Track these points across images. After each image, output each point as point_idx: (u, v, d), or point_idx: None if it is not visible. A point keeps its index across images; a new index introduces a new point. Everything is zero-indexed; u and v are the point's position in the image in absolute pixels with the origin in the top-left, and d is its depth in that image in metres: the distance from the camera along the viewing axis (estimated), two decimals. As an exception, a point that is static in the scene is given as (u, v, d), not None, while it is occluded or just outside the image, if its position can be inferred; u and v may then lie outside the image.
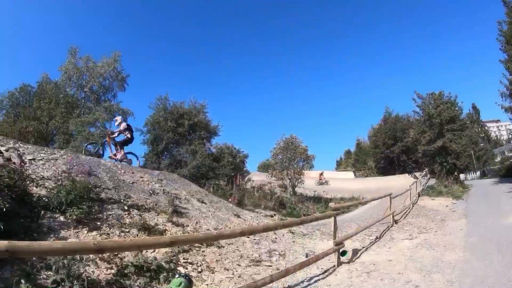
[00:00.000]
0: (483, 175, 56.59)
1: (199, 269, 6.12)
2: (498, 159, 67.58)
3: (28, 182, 6.75)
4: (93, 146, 14.33)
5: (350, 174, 53.36)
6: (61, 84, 29.07)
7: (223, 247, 7.53)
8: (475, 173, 58.25)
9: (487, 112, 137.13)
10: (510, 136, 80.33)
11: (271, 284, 5.56)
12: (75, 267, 4.59)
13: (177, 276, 0.92)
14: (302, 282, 6.22)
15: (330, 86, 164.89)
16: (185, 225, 8.26)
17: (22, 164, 7.25)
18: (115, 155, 12.89)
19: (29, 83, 28.98)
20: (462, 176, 28.27)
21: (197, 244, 6.97)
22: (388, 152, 49.10)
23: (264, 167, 48.56)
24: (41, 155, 8.81)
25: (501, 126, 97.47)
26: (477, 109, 79.16)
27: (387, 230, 11.01)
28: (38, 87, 28.62)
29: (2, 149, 7.86)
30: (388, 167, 49.04)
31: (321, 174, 37.73)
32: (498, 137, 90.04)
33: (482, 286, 4.95)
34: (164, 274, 5.29)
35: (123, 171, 10.31)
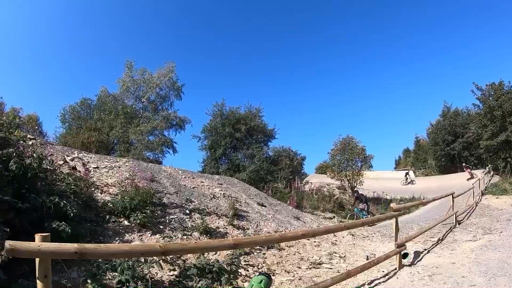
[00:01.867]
0: (553, 170, 52.62)
1: (260, 272, 6.20)
2: None
3: (93, 189, 7.23)
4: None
5: (410, 174, 51.69)
6: (119, 96, 30.31)
7: (284, 249, 7.58)
8: (544, 169, 54.27)
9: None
10: None
11: (331, 287, 5.57)
12: (140, 268, 4.82)
13: (257, 274, 0.98)
14: (363, 285, 6.14)
15: (385, 83, 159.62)
16: (245, 228, 8.42)
17: (87, 172, 7.67)
18: None
19: (88, 97, 30.75)
20: None
21: (257, 247, 7.09)
22: (448, 149, 46.82)
23: (321, 169, 47.92)
24: (104, 163, 9.32)
25: None
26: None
27: (449, 231, 10.55)
28: (98, 100, 30.17)
29: (68, 158, 8.42)
30: (449, 165, 46.68)
31: (407, 173, 36.24)
32: None
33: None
34: (225, 276, 5.40)
35: (183, 176, 10.67)
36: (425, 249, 8.55)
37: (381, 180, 38.18)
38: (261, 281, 0.96)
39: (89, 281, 4.29)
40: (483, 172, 25.82)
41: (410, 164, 65.13)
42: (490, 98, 30.44)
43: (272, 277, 6.13)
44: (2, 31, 66.35)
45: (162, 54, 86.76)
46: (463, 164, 30.17)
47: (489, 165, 30.18)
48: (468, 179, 24.75)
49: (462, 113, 47.43)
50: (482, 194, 19.01)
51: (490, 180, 24.67)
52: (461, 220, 12.33)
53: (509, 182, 23.02)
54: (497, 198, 18.43)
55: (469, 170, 29.61)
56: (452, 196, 11.99)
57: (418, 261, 7.50)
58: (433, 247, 8.75)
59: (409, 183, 34.33)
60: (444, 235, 10.07)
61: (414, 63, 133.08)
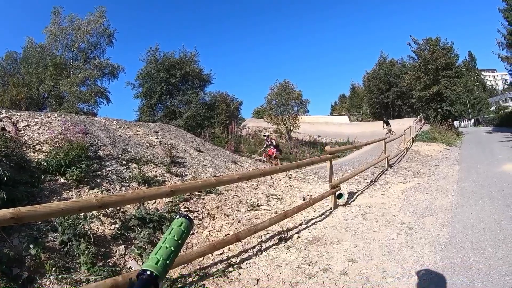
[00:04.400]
0: (477, 124, 57.11)
1: (200, 217, 6.27)
2: (493, 108, 67.22)
3: (25, 149, 6.81)
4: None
5: (345, 119, 53.59)
6: (47, 46, 28.43)
7: (222, 193, 7.69)
8: (469, 121, 58.66)
9: (483, 61, 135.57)
10: (506, 86, 79.61)
11: (270, 227, 5.77)
12: (80, 225, 4.73)
13: (177, 216, 0.95)
14: (301, 224, 6.43)
15: (323, 29, 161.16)
16: (183, 174, 8.41)
17: (17, 131, 7.27)
18: None
19: (14, 50, 28.88)
20: (456, 123, 28.00)
21: (196, 192, 7.13)
22: (382, 97, 49.00)
23: (259, 113, 48.39)
24: (35, 120, 8.77)
25: (497, 76, 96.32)
26: (473, 57, 78.41)
27: (381, 174, 11.28)
28: (24, 53, 28.19)
29: (-5, 119, 7.83)
30: (383, 112, 49.05)
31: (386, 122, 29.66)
32: (494, 86, 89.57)
33: (473, 231, 5.08)
34: (166, 224, 5.44)
35: (118, 126, 10.36)
36: (359, 190, 9.12)
37: (317, 124, 39.69)
38: (181, 223, 0.94)
39: (31, 245, 4.12)
40: (415, 120, 27.33)
41: (346, 110, 67.64)
42: (426, 52, 31.76)
43: (213, 220, 6.24)
44: None
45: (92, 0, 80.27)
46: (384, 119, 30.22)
47: (421, 114, 31.99)
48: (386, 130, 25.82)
49: (397, 64, 49.42)
50: (413, 141, 20.25)
51: (421, 128, 26.25)
52: (393, 164, 13.20)
53: (438, 131, 24.84)
54: (427, 145, 19.82)
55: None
56: (385, 141, 12.75)
57: (352, 201, 8.00)
58: (366, 188, 9.35)
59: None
60: (376, 177, 10.77)
61: (356, 12, 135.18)
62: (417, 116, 32.23)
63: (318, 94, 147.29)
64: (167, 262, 0.95)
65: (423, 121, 29.75)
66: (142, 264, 4.23)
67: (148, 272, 0.90)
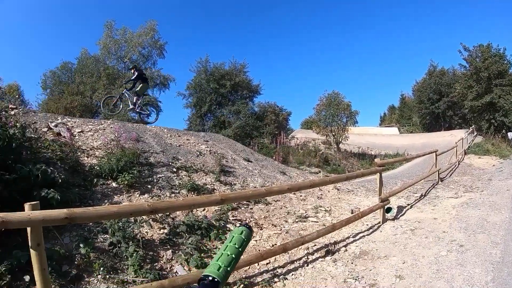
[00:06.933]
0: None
1: (241, 223, 6.30)
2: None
3: (79, 153, 7.16)
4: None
5: (394, 130, 52.23)
6: (100, 57, 29.58)
7: (270, 204, 7.70)
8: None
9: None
10: None
11: (317, 240, 5.73)
12: (130, 229, 4.93)
13: (238, 225, 1.01)
14: (348, 237, 6.32)
15: (372, 39, 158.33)
16: (232, 183, 8.48)
17: (72, 137, 7.59)
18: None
19: (69, 61, 30.07)
20: (510, 134, 26.30)
21: (245, 202, 7.20)
22: (433, 108, 47.20)
23: (307, 124, 48.00)
24: (89, 126, 9.18)
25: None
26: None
27: (432, 188, 10.86)
28: (78, 63, 29.37)
29: (51, 125, 8.27)
30: (433, 123, 47.39)
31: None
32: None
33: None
34: (214, 231, 5.55)
35: (169, 135, 10.63)
36: (408, 204, 8.82)
37: (366, 135, 38.97)
38: (242, 232, 0.98)
39: (81, 245, 4.35)
40: (467, 132, 26.16)
41: (395, 121, 65.76)
42: (477, 59, 30.51)
43: (260, 230, 6.27)
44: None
45: (143, 13, 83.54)
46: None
47: (473, 125, 30.56)
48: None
49: (448, 73, 47.61)
50: (465, 153, 19.37)
51: (473, 140, 25.08)
52: (444, 178, 12.68)
53: (491, 143, 23.51)
54: (479, 158, 18.80)
55: None
56: (436, 154, 12.26)
57: (401, 215, 7.76)
58: (416, 203, 9.02)
59: None
60: (426, 191, 10.36)
61: (403, 21, 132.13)
62: (469, 127, 30.85)
63: (367, 105, 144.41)
64: (228, 269, 0.98)
65: (475, 133, 28.40)
66: (188, 269, 4.38)
67: (210, 278, 0.93)
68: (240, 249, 1.05)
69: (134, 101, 12.68)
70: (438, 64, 50.31)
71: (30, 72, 76.63)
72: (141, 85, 12.68)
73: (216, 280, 0.93)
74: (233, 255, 1.02)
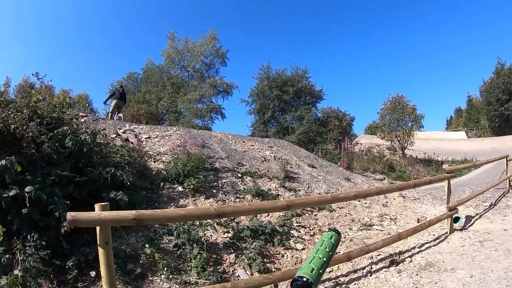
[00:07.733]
0: None
1: (312, 233, 6.21)
2: None
3: (146, 158, 7.47)
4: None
5: (461, 134, 49.17)
6: (164, 67, 30.96)
7: (335, 211, 7.54)
8: None
9: None
10: None
11: (382, 249, 5.50)
12: (195, 231, 5.02)
13: (327, 230, 0.96)
14: (414, 248, 6.00)
15: (434, 38, 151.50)
16: (297, 189, 8.39)
17: (139, 142, 7.92)
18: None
19: (135, 71, 32.03)
20: None
21: (309, 208, 7.10)
22: (502, 109, 43.62)
23: (371, 129, 46.80)
24: (156, 133, 9.55)
25: None
26: None
27: (502, 196, 9.96)
28: (144, 73, 31.15)
29: (120, 131, 8.71)
30: (503, 126, 43.72)
31: None
32: None
33: None
34: (278, 237, 5.51)
35: (234, 141, 10.81)
36: (477, 214, 8.14)
37: (431, 140, 37.13)
38: (332, 236, 0.93)
39: (147, 245, 4.50)
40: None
41: (462, 125, 61.98)
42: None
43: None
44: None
45: (204, 21, 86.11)
46: None
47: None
48: None
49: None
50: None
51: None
52: (515, 186, 11.57)
53: None
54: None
55: None
56: (506, 160, 11.25)
57: (469, 225, 7.19)
58: (485, 212, 8.29)
59: None
60: (496, 200, 9.51)
61: (465, 17, 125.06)
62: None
63: (432, 108, 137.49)
64: (320, 271, 0.98)
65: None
66: (251, 274, 4.33)
67: (304, 279, 0.93)
68: (330, 253, 1.05)
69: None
70: (506, 62, 46.25)
71: (98, 83, 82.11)
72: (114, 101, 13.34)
73: (309, 281, 0.93)
74: (325, 259, 1.02)
